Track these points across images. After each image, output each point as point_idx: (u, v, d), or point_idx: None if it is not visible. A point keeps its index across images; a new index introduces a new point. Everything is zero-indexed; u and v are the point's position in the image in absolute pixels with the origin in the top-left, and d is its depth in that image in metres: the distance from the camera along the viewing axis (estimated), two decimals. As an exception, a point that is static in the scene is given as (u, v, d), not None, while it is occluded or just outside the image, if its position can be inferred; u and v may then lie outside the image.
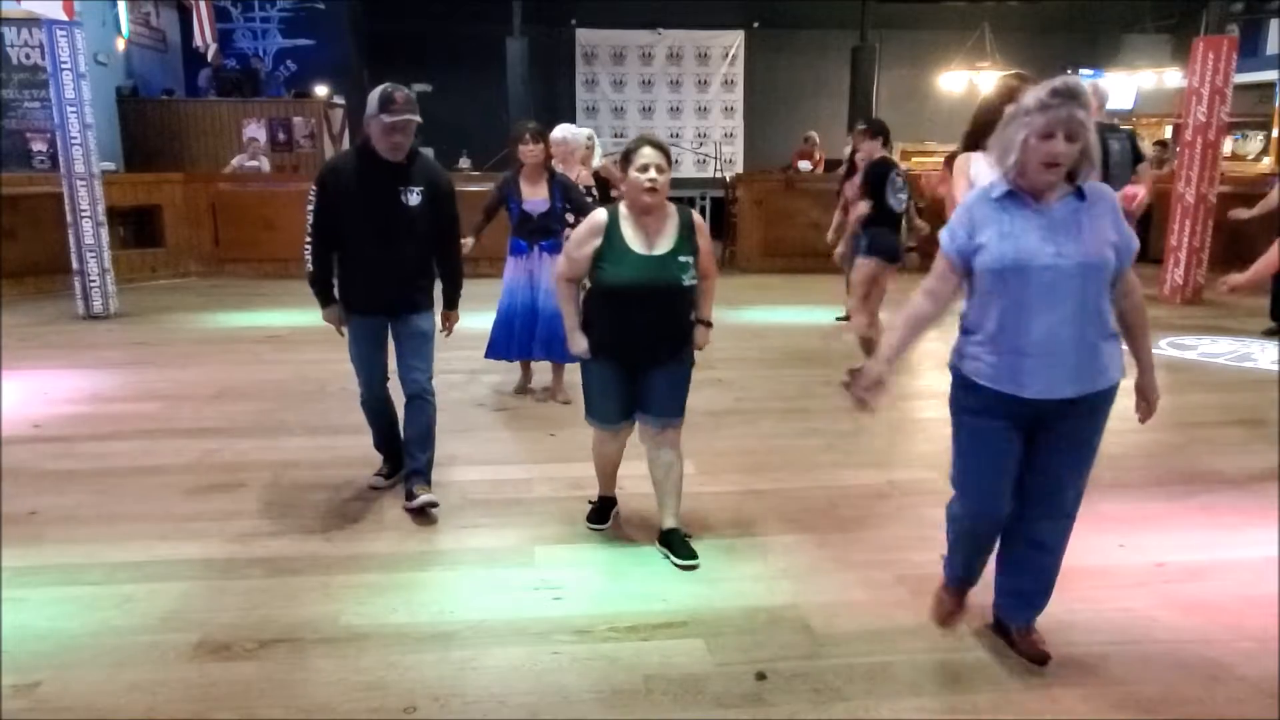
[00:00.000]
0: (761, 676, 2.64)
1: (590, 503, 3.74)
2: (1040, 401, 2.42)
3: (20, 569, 3.26)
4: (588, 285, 3.35)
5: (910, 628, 2.90)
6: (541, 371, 5.68)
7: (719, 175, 14.52)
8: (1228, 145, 12.00)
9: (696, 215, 3.30)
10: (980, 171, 3.24)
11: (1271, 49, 14.98)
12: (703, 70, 16.75)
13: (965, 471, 2.63)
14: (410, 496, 3.76)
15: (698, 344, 3.43)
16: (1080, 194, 2.39)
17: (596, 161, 6.39)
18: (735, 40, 16.55)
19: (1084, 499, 2.64)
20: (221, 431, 4.87)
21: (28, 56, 10.20)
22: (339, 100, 13.75)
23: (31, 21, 9.25)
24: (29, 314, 8.16)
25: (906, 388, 5.64)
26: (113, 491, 4.03)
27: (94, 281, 8.04)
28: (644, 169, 3.11)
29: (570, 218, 5.16)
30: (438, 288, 3.90)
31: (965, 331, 2.56)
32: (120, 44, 12.68)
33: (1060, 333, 2.37)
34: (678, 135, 16.38)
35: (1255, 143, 15.18)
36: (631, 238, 3.19)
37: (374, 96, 3.49)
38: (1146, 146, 13.09)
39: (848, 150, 7.96)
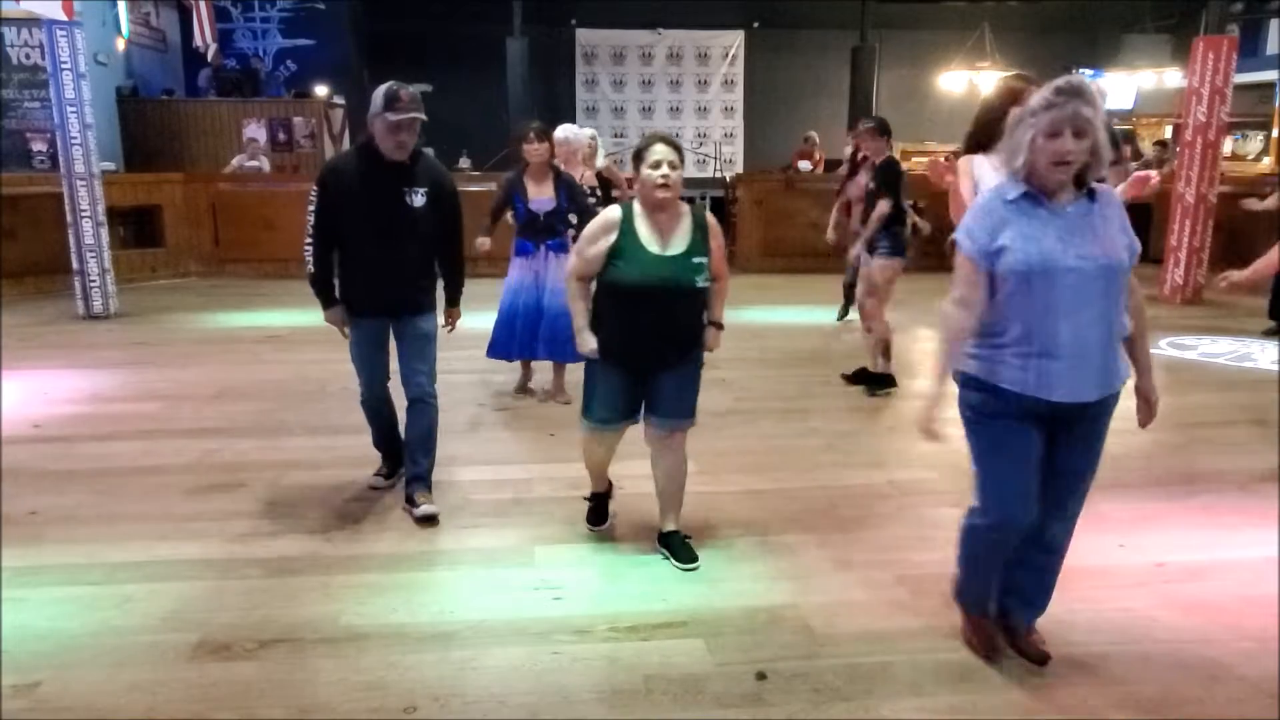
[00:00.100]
0: (761, 676, 2.64)
1: (585, 500, 3.68)
2: (1063, 404, 2.39)
3: (20, 569, 3.26)
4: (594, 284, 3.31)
5: (910, 628, 2.90)
6: (542, 371, 5.68)
7: (719, 175, 14.50)
8: (1228, 145, 11.99)
9: (710, 215, 3.24)
10: (984, 173, 3.24)
11: (1271, 49, 14.98)
12: (703, 70, 16.74)
13: (990, 478, 2.53)
14: (411, 502, 3.75)
15: (709, 346, 3.38)
16: (1091, 196, 2.38)
17: (599, 162, 6.40)
18: (735, 40, 16.54)
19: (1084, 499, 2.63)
20: (221, 431, 4.87)
21: (28, 56, 10.21)
22: (339, 100, 13.75)
23: (31, 21, 9.26)
24: (29, 314, 8.16)
25: (907, 388, 5.64)
26: (113, 491, 4.03)
27: (94, 281, 8.04)
28: (656, 165, 3.06)
29: (573, 218, 5.16)
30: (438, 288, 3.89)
31: (980, 334, 2.48)
32: (120, 44, 12.69)
33: (1087, 335, 2.34)
34: (678, 135, 16.20)
35: (1255, 143, 15.18)
36: (646, 236, 3.12)
37: (378, 94, 3.45)
38: (1146, 146, 13.19)
39: (848, 150, 7.96)
